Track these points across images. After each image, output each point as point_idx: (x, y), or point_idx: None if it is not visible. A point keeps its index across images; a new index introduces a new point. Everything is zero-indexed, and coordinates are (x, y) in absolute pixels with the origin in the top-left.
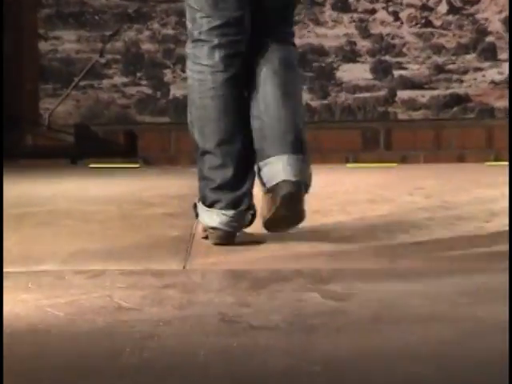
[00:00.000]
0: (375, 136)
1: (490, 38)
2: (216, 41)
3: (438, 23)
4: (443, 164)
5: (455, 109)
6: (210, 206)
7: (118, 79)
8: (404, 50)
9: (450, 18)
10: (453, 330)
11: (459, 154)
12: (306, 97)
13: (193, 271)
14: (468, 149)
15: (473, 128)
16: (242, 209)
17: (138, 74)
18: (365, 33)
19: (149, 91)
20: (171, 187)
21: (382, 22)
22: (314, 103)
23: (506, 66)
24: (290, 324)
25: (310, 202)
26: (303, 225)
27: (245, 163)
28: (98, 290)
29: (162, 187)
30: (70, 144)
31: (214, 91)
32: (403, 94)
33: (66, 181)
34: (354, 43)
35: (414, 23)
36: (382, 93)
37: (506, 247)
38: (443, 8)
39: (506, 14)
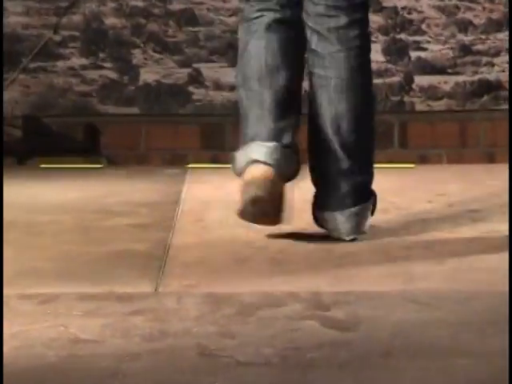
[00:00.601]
0: (388, 131)
1: None
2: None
3: None
4: (469, 165)
5: (484, 98)
6: (251, 139)
7: (77, 61)
8: (423, 26)
9: None
10: (480, 367)
11: (489, 153)
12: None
13: (166, 294)
14: (499, 147)
15: (505, 121)
16: (286, 143)
17: (101, 55)
18: (376, 5)
19: (114, 76)
20: (140, 193)
21: None
22: None
23: None
24: (283, 359)
25: (309, 212)
26: (300, 240)
27: (287, 98)
28: (49, 319)
29: (129, 192)
30: (17, 140)
31: (258, 33)
32: (422, 80)
33: (12, 184)
34: None
35: None
36: (397, 78)
37: None
38: None
39: None
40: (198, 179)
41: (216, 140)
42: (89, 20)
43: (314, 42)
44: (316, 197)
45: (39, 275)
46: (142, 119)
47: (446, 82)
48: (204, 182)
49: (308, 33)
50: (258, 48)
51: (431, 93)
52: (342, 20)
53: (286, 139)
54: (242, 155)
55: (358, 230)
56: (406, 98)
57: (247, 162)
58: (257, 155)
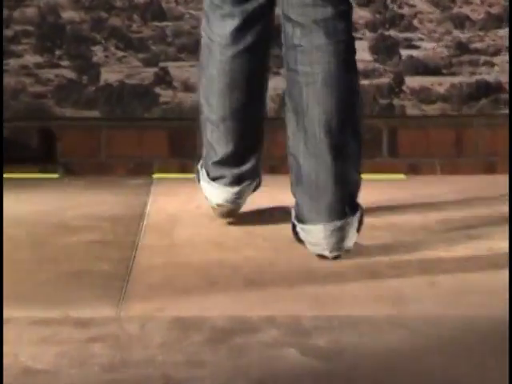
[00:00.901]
0: (376, 138)
1: None
2: (227, 9)
3: None
4: (466, 176)
5: (483, 101)
6: (213, 180)
7: (30, 58)
8: (415, 22)
9: None
10: None
11: (488, 163)
12: (281, 84)
13: (129, 319)
14: (499, 155)
15: (506, 128)
16: (248, 184)
17: (58, 52)
18: None
19: (72, 75)
20: (101, 205)
21: None
22: None
23: None
24: None
25: (287, 227)
26: (277, 257)
27: (250, 140)
28: None
29: (89, 205)
30: None
31: (221, 65)
32: (413, 82)
33: None
34: None
35: None
36: (386, 80)
37: None
38: None
39: None
40: (165, 191)
41: (185, 147)
42: (44, 13)
43: (297, 36)
44: (297, 208)
45: None
46: (103, 123)
47: (440, 84)
48: (172, 193)
49: (288, 27)
50: (222, 82)
51: (424, 95)
52: (329, 11)
53: (249, 179)
54: (207, 186)
55: (342, 247)
56: (396, 102)
57: (212, 203)
58: (220, 200)
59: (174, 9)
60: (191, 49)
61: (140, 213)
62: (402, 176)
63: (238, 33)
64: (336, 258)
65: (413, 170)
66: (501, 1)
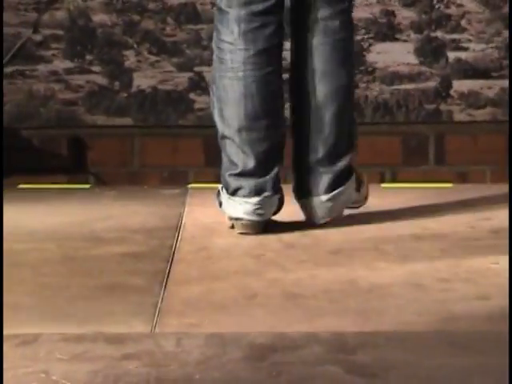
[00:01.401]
0: (422, 145)
1: None
2: (234, 12)
3: None
4: None
5: None
6: (233, 193)
7: (60, 64)
8: (463, 22)
9: None
10: None
11: None
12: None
13: (164, 336)
14: None
15: None
16: (268, 194)
17: (88, 57)
18: None
19: (103, 81)
20: (134, 217)
21: None
22: None
23: None
24: None
25: (329, 238)
26: (318, 270)
27: (269, 150)
28: (28, 363)
29: (121, 217)
30: None
31: (233, 72)
32: (461, 86)
33: None
34: (392, 13)
35: None
36: (432, 83)
37: None
38: None
39: None
40: (201, 201)
41: (221, 155)
42: (74, 17)
43: (299, 33)
44: (295, 185)
45: (17, 313)
46: (136, 131)
47: (489, 88)
48: (208, 204)
49: (291, 26)
50: (236, 91)
51: (473, 100)
52: (327, 11)
53: (268, 191)
54: (227, 203)
55: (333, 213)
56: (443, 107)
57: (232, 218)
58: (241, 213)
59: (209, 11)
60: None
61: (175, 224)
62: (449, 184)
63: (249, 35)
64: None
65: (461, 178)
66: None
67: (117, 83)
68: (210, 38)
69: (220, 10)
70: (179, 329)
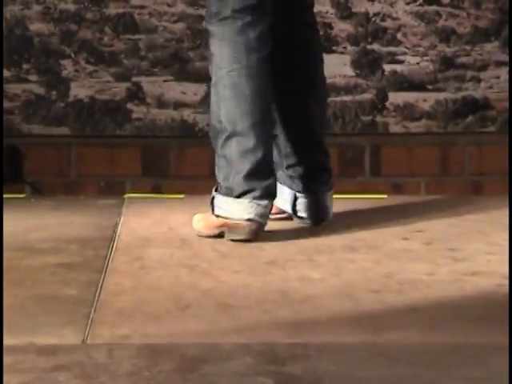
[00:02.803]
0: (358, 156)
1: None
2: (249, 18)
3: None
4: (452, 196)
5: (469, 119)
6: (241, 195)
7: None
8: (399, 36)
9: None
10: None
11: (474, 182)
12: None
13: (96, 347)
14: (487, 175)
15: (493, 146)
16: (272, 199)
17: (25, 66)
18: (344, 11)
19: (40, 90)
20: (70, 227)
21: None
22: None
23: None
24: None
25: (264, 248)
26: (252, 281)
27: (277, 148)
28: None
29: (57, 227)
30: None
31: (249, 70)
32: (397, 98)
33: None
34: (330, 26)
35: None
36: (368, 95)
37: None
38: None
39: None
40: (137, 211)
41: (159, 165)
42: (11, 25)
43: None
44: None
45: None
46: (73, 141)
47: (424, 100)
48: (144, 214)
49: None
50: (249, 88)
51: (408, 112)
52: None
53: (274, 194)
54: (229, 208)
55: (326, 215)
56: (379, 118)
57: (240, 220)
58: (252, 215)
59: (147, 21)
60: (165, 63)
61: (110, 234)
62: (383, 196)
63: (262, 37)
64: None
65: (396, 189)
66: (488, 14)
67: (54, 92)
68: (148, 48)
69: (230, 17)
70: (111, 340)
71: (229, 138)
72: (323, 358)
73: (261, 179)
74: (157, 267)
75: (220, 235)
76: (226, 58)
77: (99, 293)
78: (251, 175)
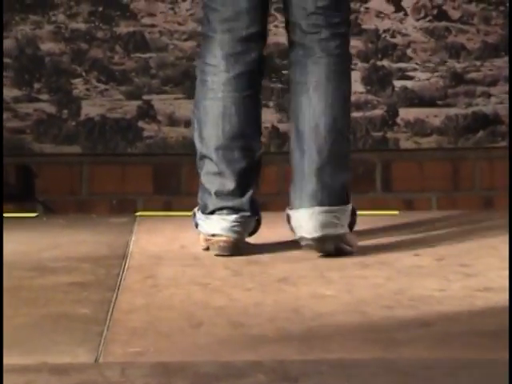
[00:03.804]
0: (369, 172)
1: None
2: (218, 37)
3: (455, 15)
4: (463, 211)
5: (480, 134)
6: (211, 213)
7: (8, 92)
8: (409, 52)
9: (473, 7)
10: None
11: (486, 197)
12: (272, 117)
13: (109, 365)
14: (497, 189)
15: (504, 160)
16: (245, 214)
17: (36, 86)
18: (354, 28)
19: (51, 109)
20: (82, 245)
21: (379, 14)
22: (284, 126)
23: None
24: None
25: (276, 265)
26: (264, 298)
27: (246, 171)
28: None
29: (69, 245)
30: None
31: (213, 93)
32: (408, 114)
33: None
34: None
35: (422, 15)
36: (379, 112)
37: None
38: None
39: None
40: (149, 229)
41: (170, 183)
42: (22, 45)
43: (298, 54)
44: (290, 197)
45: None
46: (85, 159)
47: (435, 116)
48: (156, 232)
49: (292, 46)
50: (215, 111)
51: (418, 128)
52: (324, 34)
53: (245, 211)
54: (203, 223)
55: (322, 230)
56: (390, 134)
57: (209, 234)
58: (218, 230)
59: (157, 40)
60: (176, 81)
61: (122, 253)
62: (395, 212)
63: (230, 58)
64: (318, 244)
65: (407, 205)
66: (497, 29)
67: (65, 111)
68: (159, 67)
69: (206, 36)
70: (124, 358)
71: (201, 158)
72: (335, 375)
73: (229, 198)
74: (169, 285)
75: (208, 248)
76: (199, 81)
77: (112, 311)
78: (219, 194)
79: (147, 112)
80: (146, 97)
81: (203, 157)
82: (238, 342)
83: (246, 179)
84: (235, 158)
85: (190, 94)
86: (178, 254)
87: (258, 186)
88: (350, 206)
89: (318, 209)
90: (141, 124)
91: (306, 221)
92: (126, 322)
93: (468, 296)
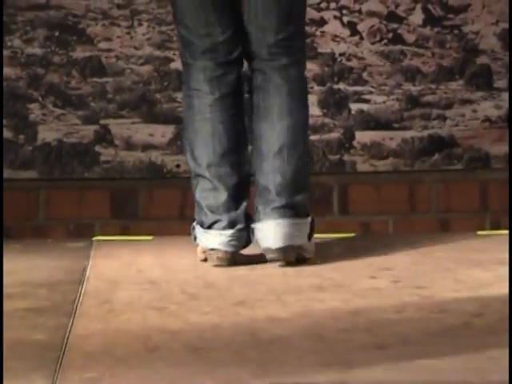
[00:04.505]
0: (326, 195)
1: (482, 59)
2: (200, 64)
3: (410, 38)
4: (419, 234)
5: (436, 156)
6: (209, 227)
7: None
8: (365, 75)
9: (428, 31)
10: None
11: (442, 220)
12: None
13: None
14: (454, 212)
15: (460, 183)
16: (240, 227)
17: None
18: (310, 51)
19: (8, 135)
20: (38, 271)
21: (334, 37)
22: None
23: (505, 97)
24: None
25: (233, 289)
26: (221, 322)
27: (238, 184)
28: None
29: (25, 271)
30: None
31: (201, 115)
32: (364, 137)
33: None
34: None
35: (377, 38)
36: (335, 135)
37: (503, 352)
38: (418, 17)
39: (504, 25)
40: (106, 253)
41: (128, 207)
42: None
43: (259, 80)
44: (255, 213)
45: None
46: (41, 184)
47: (391, 139)
48: (112, 256)
49: (253, 73)
50: (204, 131)
51: (375, 151)
52: (283, 61)
53: (240, 224)
54: (202, 237)
55: (285, 241)
56: (347, 157)
57: (208, 249)
58: (216, 244)
59: (114, 64)
60: (133, 105)
61: (78, 278)
62: (352, 234)
63: (214, 81)
64: (280, 254)
65: (364, 227)
66: (452, 53)
67: (22, 136)
68: (116, 91)
69: (186, 63)
70: (80, 383)
71: (194, 177)
72: None
73: (223, 213)
74: (125, 310)
75: (206, 260)
76: (186, 105)
77: (68, 337)
78: (215, 209)
79: (104, 136)
80: (102, 121)
81: (197, 175)
82: (194, 366)
83: (239, 192)
84: (227, 174)
85: (147, 118)
86: (135, 278)
87: (249, 198)
88: (309, 219)
89: (281, 221)
90: (98, 148)
91: (271, 232)
92: (82, 347)
93: (424, 318)
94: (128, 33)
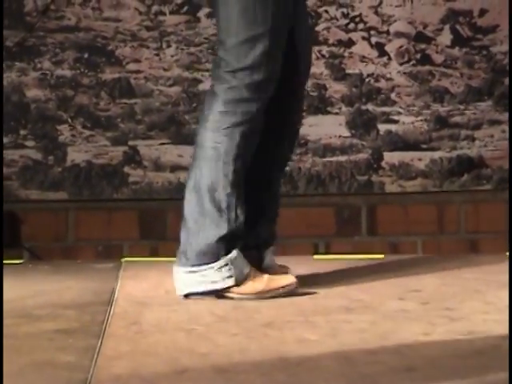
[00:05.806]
0: (354, 216)
1: None
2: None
3: (439, 59)
4: (448, 254)
5: (465, 177)
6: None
7: None
8: (393, 96)
9: (456, 51)
10: None
11: (471, 241)
12: None
13: None
14: (483, 233)
15: (489, 204)
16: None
17: (22, 132)
18: (338, 72)
19: (37, 156)
20: (66, 292)
21: (363, 58)
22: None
23: None
24: None
25: (261, 310)
26: (249, 344)
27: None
28: None
29: (54, 292)
30: None
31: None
32: (392, 158)
33: None
34: (324, 87)
35: (405, 59)
36: (364, 155)
37: None
38: (446, 38)
39: None
40: (134, 274)
41: (156, 228)
42: (8, 92)
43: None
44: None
45: None
46: (70, 205)
47: (420, 159)
48: (141, 277)
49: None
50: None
51: (403, 171)
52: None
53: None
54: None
55: (185, 289)
56: (375, 178)
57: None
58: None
59: (142, 85)
60: (161, 126)
61: (107, 299)
62: (380, 256)
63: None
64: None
65: (393, 248)
66: (481, 73)
67: (51, 158)
68: (144, 112)
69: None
70: None
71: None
72: None
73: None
74: (154, 331)
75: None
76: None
77: (96, 358)
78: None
79: (133, 157)
80: (131, 142)
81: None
82: None
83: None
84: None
85: (176, 140)
86: (163, 299)
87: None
88: (221, 262)
89: (181, 269)
90: (126, 169)
91: (175, 280)
92: (110, 368)
93: (452, 340)
94: (157, 54)
